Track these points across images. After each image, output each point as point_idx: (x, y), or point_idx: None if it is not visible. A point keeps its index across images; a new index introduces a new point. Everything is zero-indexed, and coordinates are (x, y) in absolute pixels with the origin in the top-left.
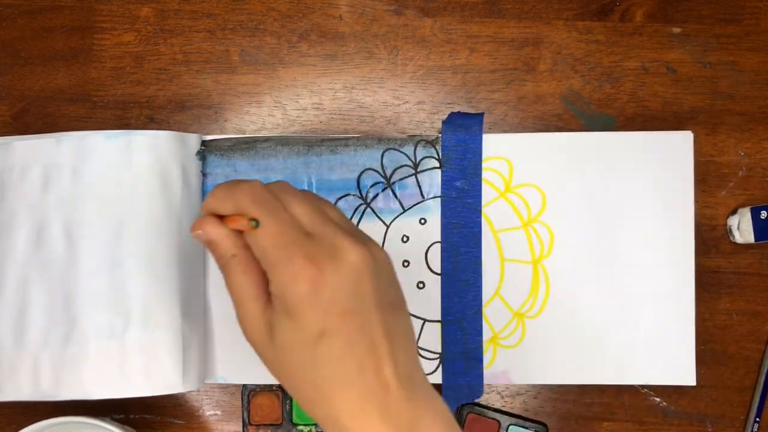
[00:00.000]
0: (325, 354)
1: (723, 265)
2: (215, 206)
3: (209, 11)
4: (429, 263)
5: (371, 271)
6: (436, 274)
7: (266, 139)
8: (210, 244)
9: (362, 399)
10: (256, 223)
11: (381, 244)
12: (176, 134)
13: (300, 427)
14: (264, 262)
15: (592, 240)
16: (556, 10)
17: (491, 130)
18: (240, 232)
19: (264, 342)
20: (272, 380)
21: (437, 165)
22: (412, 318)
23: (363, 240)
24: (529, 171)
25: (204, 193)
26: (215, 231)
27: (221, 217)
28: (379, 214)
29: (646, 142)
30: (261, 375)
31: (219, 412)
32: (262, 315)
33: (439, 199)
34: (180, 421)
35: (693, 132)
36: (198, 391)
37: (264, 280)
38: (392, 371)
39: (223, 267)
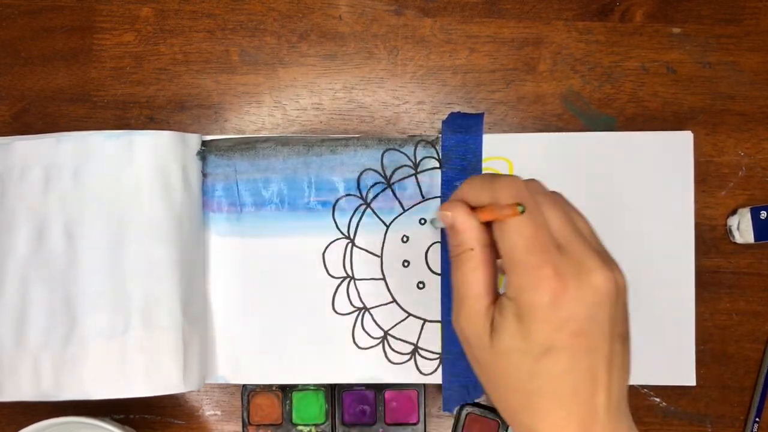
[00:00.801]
0: (548, 368)
1: (723, 265)
2: (470, 195)
3: (209, 11)
4: (429, 263)
5: (612, 298)
6: (436, 274)
7: (266, 139)
8: (452, 230)
9: (569, 420)
10: (523, 209)
11: (381, 244)
12: (176, 134)
13: (300, 427)
14: (508, 259)
15: None
16: (556, 10)
17: (491, 130)
18: (486, 229)
19: (481, 341)
20: (272, 380)
21: (437, 165)
22: (412, 318)
23: (609, 263)
24: (529, 171)
25: (204, 193)
26: (464, 219)
27: (472, 209)
28: (379, 215)
29: (646, 142)
30: (261, 375)
31: (219, 412)
32: (486, 314)
33: (439, 199)
34: (180, 421)
35: (693, 132)
36: (198, 391)
37: (493, 281)
38: (604, 401)
39: (456, 257)
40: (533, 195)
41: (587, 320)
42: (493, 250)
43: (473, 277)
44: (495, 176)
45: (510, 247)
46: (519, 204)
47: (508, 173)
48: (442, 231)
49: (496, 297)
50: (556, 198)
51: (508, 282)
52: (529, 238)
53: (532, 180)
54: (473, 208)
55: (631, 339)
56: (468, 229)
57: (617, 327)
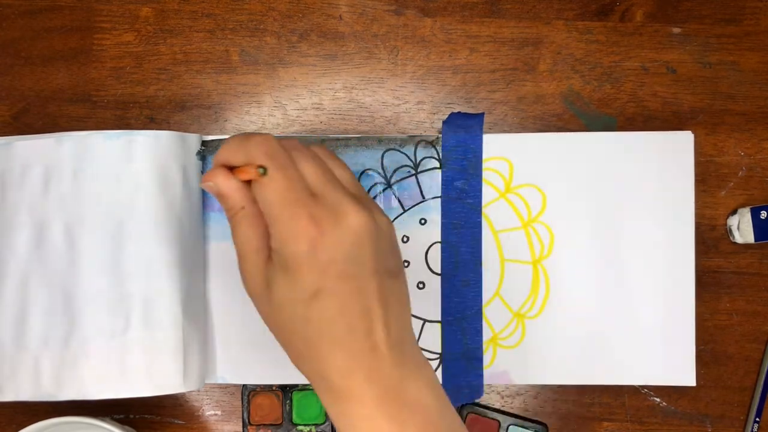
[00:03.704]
0: (318, 313)
1: (723, 265)
2: (227, 157)
3: (209, 11)
4: (429, 263)
5: (372, 236)
6: (436, 274)
7: None
8: (220, 196)
9: (350, 359)
10: (264, 171)
11: None
12: (176, 134)
13: (300, 427)
14: (268, 216)
15: (592, 240)
16: (556, 10)
17: (491, 130)
18: (250, 185)
19: (262, 295)
20: (272, 380)
21: (437, 165)
22: (413, 318)
23: (367, 205)
24: (530, 171)
25: (204, 193)
26: (226, 183)
27: (232, 169)
28: None
29: (646, 142)
30: (261, 375)
31: (219, 412)
32: (263, 269)
33: (439, 199)
34: (180, 421)
35: (693, 132)
36: (198, 391)
37: (268, 234)
38: (383, 336)
39: (231, 219)
40: (287, 150)
41: (348, 261)
42: None
43: (250, 233)
44: (249, 136)
45: (266, 203)
46: (261, 166)
47: (504, 173)
48: (443, 229)
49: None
50: (314, 151)
51: (271, 235)
52: (281, 192)
53: (291, 138)
54: (234, 169)
55: (404, 273)
56: (233, 191)
57: (383, 263)
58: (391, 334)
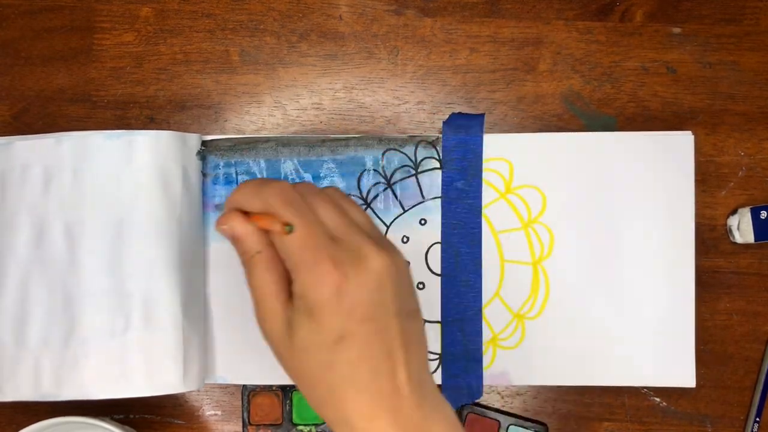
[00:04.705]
0: (342, 357)
1: (723, 265)
2: (242, 202)
3: (209, 11)
4: (429, 264)
5: (393, 279)
6: (436, 274)
7: (267, 140)
8: (235, 240)
9: (374, 403)
10: (291, 228)
11: None
12: (177, 134)
13: (300, 427)
14: (289, 262)
15: (592, 241)
16: (556, 10)
17: (491, 130)
18: (265, 230)
19: (282, 340)
20: (272, 380)
21: (438, 165)
22: None
23: (386, 247)
24: (530, 172)
25: (204, 193)
26: (242, 227)
27: (246, 213)
28: (379, 215)
29: (646, 142)
30: (261, 375)
31: (219, 412)
32: (283, 313)
33: (439, 199)
34: (180, 421)
35: (693, 132)
36: (198, 391)
37: (286, 278)
38: (405, 377)
39: (246, 263)
40: (303, 196)
41: (371, 304)
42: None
43: (267, 278)
44: (264, 182)
45: (287, 250)
46: (287, 224)
47: (504, 173)
48: (443, 230)
49: (290, 294)
50: (329, 194)
51: (294, 282)
52: (303, 238)
53: (304, 183)
54: (249, 214)
55: (421, 312)
56: (249, 236)
57: (404, 305)
58: (413, 375)
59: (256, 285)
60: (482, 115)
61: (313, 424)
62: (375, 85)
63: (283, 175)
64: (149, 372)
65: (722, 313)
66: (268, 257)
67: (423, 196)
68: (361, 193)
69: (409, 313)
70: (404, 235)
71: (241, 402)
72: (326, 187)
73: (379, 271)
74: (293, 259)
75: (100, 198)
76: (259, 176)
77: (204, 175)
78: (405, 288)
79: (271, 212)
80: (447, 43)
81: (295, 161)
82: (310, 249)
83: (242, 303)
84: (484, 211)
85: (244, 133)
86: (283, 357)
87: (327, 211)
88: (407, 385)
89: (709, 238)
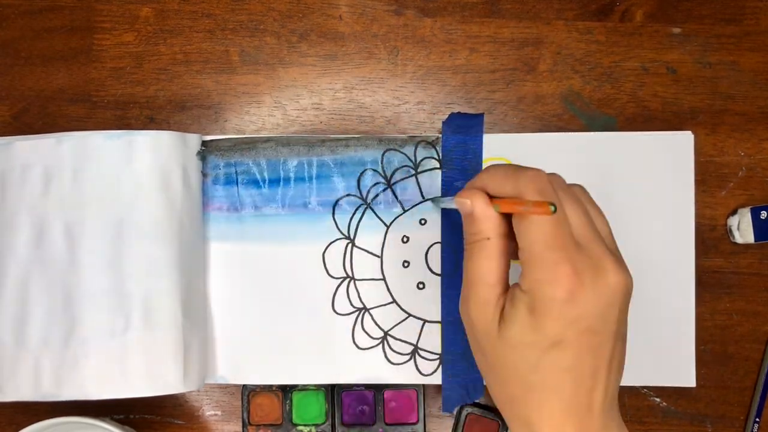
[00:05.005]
0: (553, 362)
1: (723, 265)
2: (492, 185)
3: (209, 11)
4: (429, 264)
5: (623, 298)
6: (436, 274)
7: (267, 140)
8: (470, 218)
9: (566, 413)
10: (555, 208)
11: (381, 245)
12: (177, 134)
13: (300, 427)
14: (527, 253)
15: None
16: (556, 10)
17: (491, 131)
18: (504, 219)
19: (488, 330)
20: (272, 380)
21: (437, 165)
22: (412, 319)
23: (623, 265)
24: None
25: (204, 193)
26: (484, 208)
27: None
28: (379, 215)
29: (646, 142)
30: (261, 375)
31: (219, 412)
32: (496, 303)
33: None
34: (180, 421)
35: (693, 132)
36: (198, 391)
37: (505, 270)
38: (601, 396)
39: (471, 244)
40: (555, 190)
41: (599, 319)
42: (509, 240)
43: (487, 266)
44: (519, 168)
45: (531, 242)
46: (551, 203)
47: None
48: (443, 229)
49: (506, 287)
50: (577, 194)
51: (523, 274)
52: (549, 235)
53: (554, 174)
54: (491, 197)
55: (626, 337)
56: (486, 219)
57: (622, 327)
58: (608, 396)
59: (475, 269)
60: (482, 115)
61: (313, 425)
62: (375, 85)
63: (286, 175)
64: (149, 372)
65: (722, 313)
66: (497, 247)
67: (423, 196)
68: (360, 193)
69: (623, 335)
70: (404, 235)
71: (241, 402)
72: (575, 185)
73: (615, 288)
74: (534, 251)
75: (100, 198)
76: (259, 177)
77: (204, 175)
78: (626, 309)
79: (523, 198)
80: (447, 43)
81: (295, 161)
82: (554, 247)
83: (242, 303)
84: None
85: (244, 133)
86: (484, 348)
87: (575, 213)
88: (600, 405)
89: (709, 238)
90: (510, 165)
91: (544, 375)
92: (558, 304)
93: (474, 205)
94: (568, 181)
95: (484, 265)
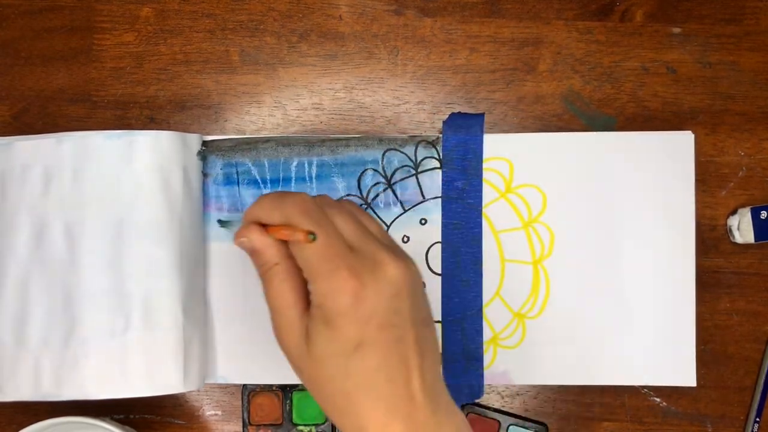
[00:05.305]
0: (360, 365)
1: (723, 265)
2: (261, 215)
3: (209, 11)
4: (429, 263)
5: (409, 286)
6: (437, 274)
7: (267, 140)
8: (254, 252)
9: (390, 410)
10: (314, 236)
11: None
12: (177, 134)
13: (300, 427)
14: (307, 271)
15: (593, 240)
16: (556, 10)
17: (491, 130)
18: (283, 242)
19: (299, 349)
20: (272, 380)
21: (438, 165)
22: None
23: (401, 255)
24: (530, 171)
25: (204, 193)
26: (261, 240)
27: (264, 226)
28: (379, 215)
29: (646, 142)
30: (261, 375)
31: (219, 412)
32: (299, 323)
33: (439, 199)
34: (180, 421)
35: (693, 132)
36: (198, 391)
37: (303, 289)
38: (419, 384)
39: (264, 274)
40: (321, 207)
41: (389, 312)
42: (294, 260)
43: (283, 289)
44: (283, 195)
45: (306, 260)
46: (310, 232)
47: (504, 173)
48: (443, 229)
49: (307, 305)
50: (345, 206)
51: (312, 291)
52: (322, 248)
53: (321, 196)
54: (266, 225)
55: (433, 319)
56: (268, 248)
57: (419, 312)
58: (427, 382)
59: (274, 296)
60: (482, 115)
61: (313, 424)
62: (375, 85)
63: (287, 175)
64: (149, 372)
65: (722, 313)
66: (286, 268)
67: (423, 196)
68: (361, 193)
69: (424, 320)
70: (404, 235)
71: (241, 402)
72: (343, 200)
73: (396, 279)
74: (312, 268)
75: (100, 198)
76: (259, 177)
77: (204, 175)
78: (419, 295)
79: (290, 223)
80: (447, 43)
81: (296, 161)
82: (328, 258)
83: (242, 303)
84: (485, 211)
85: (244, 133)
86: (300, 367)
87: (344, 222)
88: (421, 392)
89: (709, 238)
90: (275, 193)
91: (356, 379)
92: (346, 309)
93: (251, 240)
94: (567, 181)
95: (281, 288)
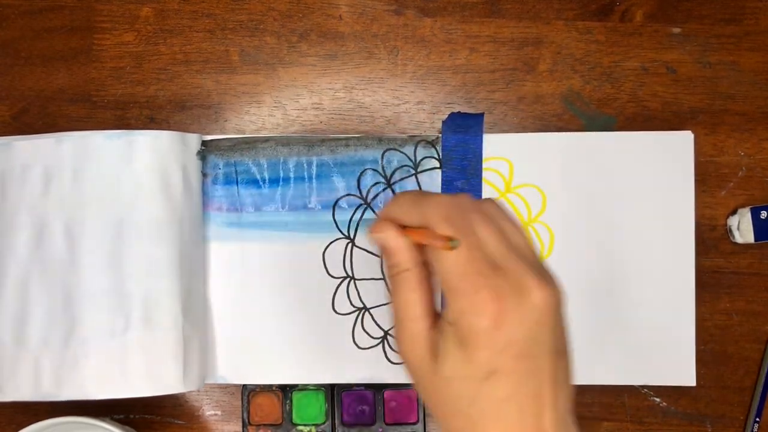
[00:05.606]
0: (491, 393)
1: (723, 265)
2: (399, 214)
3: (209, 11)
4: None
5: (553, 314)
6: None
7: (267, 140)
8: (387, 252)
9: None
10: (456, 243)
11: None
12: (177, 134)
13: (300, 427)
14: (446, 283)
15: (592, 240)
16: (556, 10)
17: (491, 130)
18: (420, 247)
19: (423, 363)
20: (272, 380)
21: (437, 165)
22: None
23: (547, 278)
24: (529, 171)
25: (204, 193)
26: (396, 240)
27: (401, 226)
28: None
29: (646, 142)
30: (261, 375)
31: (219, 412)
32: (427, 336)
33: None
34: (180, 421)
35: (693, 132)
36: (198, 391)
37: (432, 300)
38: (551, 418)
39: (393, 277)
40: (464, 213)
41: (529, 341)
42: (429, 266)
43: (413, 298)
44: (423, 195)
45: (445, 272)
46: (452, 238)
47: (504, 173)
48: None
49: (435, 317)
50: (488, 210)
51: (447, 306)
52: (463, 262)
53: (461, 196)
54: (404, 226)
55: (571, 348)
56: (401, 251)
57: (559, 343)
58: (558, 416)
59: (400, 305)
60: (482, 115)
61: (313, 424)
62: (375, 85)
63: (286, 175)
64: (149, 372)
65: (722, 313)
66: (418, 276)
67: None
68: (361, 192)
69: (563, 350)
70: None
71: (241, 402)
72: (485, 201)
73: (541, 306)
74: (451, 282)
75: (100, 198)
76: (258, 177)
77: (204, 175)
78: (561, 323)
79: (430, 226)
80: (447, 43)
81: (295, 161)
82: (470, 275)
83: (242, 303)
84: None
85: (244, 133)
86: (421, 381)
87: (489, 233)
88: (552, 428)
89: (709, 238)
90: (417, 192)
91: (483, 407)
92: (484, 333)
93: (386, 238)
94: (567, 181)
95: (410, 298)
